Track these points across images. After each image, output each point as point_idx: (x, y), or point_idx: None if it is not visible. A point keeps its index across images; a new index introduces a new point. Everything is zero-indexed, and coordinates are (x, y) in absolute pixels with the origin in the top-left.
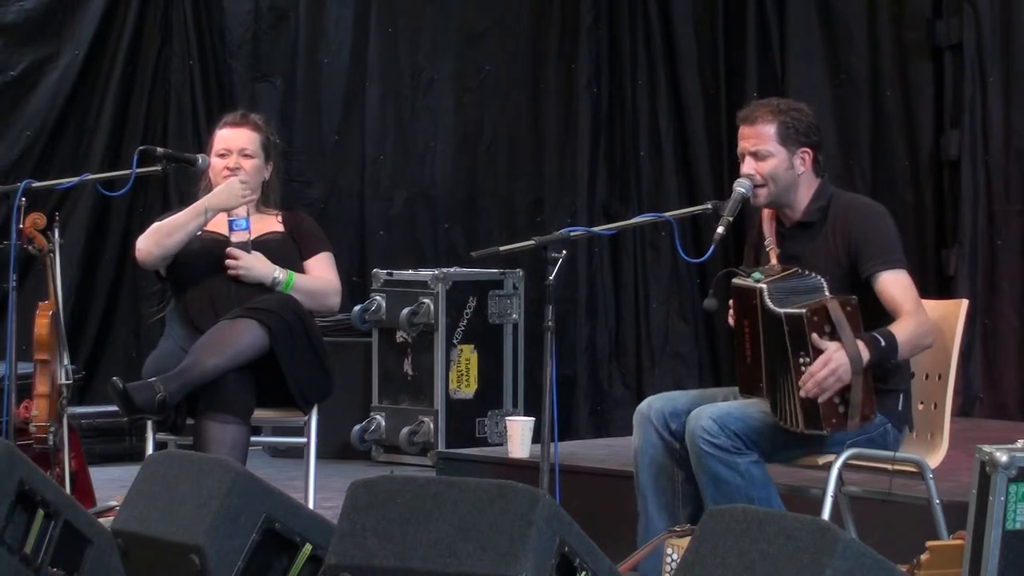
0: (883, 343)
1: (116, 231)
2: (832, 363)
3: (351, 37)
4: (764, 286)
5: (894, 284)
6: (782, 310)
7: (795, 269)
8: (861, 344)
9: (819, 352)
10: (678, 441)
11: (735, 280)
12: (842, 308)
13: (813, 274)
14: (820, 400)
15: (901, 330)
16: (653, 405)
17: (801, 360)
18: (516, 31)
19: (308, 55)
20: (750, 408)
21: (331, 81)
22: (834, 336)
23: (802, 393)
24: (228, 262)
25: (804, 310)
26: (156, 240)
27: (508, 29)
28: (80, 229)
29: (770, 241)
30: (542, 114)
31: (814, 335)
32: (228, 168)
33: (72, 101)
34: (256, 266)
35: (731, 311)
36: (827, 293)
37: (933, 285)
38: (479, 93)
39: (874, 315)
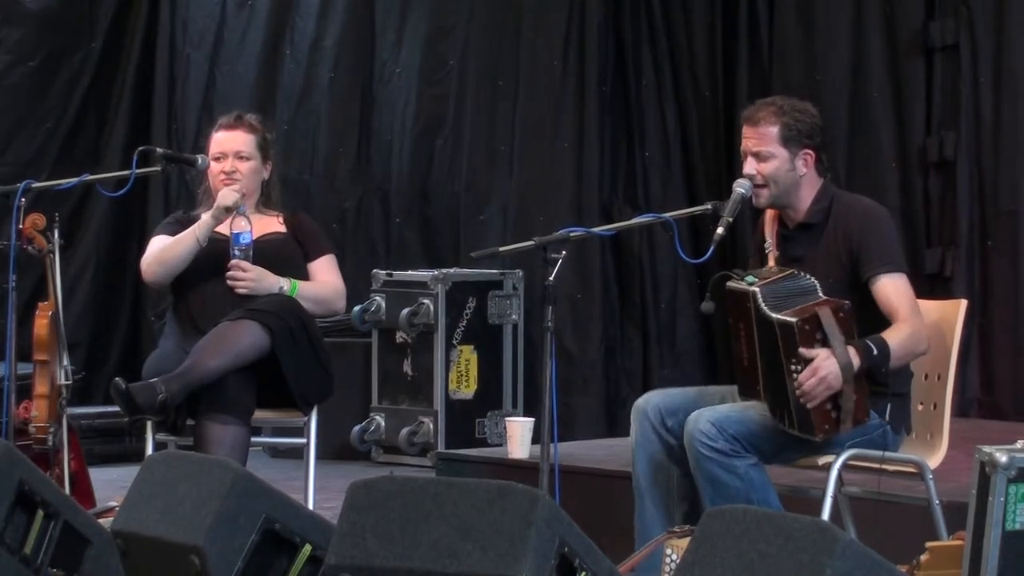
0: (875, 352)
1: (135, 230)
2: (821, 371)
3: (314, 28)
4: (757, 289)
5: (891, 288)
6: (775, 315)
7: (790, 271)
8: (852, 351)
9: (808, 361)
10: (675, 438)
11: (729, 283)
12: (834, 315)
13: (808, 276)
14: (809, 406)
15: (895, 337)
16: (651, 401)
17: (793, 367)
18: (490, 27)
19: (272, 46)
20: (748, 411)
21: (290, 72)
22: (826, 343)
23: (800, 399)
24: (235, 274)
25: (795, 319)
26: (159, 262)
27: (480, 24)
28: (102, 228)
29: (770, 243)
30: (518, 112)
31: (802, 349)
32: (224, 172)
33: (90, 93)
34: (263, 280)
35: (728, 314)
36: (820, 295)
37: (924, 286)
38: (441, 88)
39: (874, 318)
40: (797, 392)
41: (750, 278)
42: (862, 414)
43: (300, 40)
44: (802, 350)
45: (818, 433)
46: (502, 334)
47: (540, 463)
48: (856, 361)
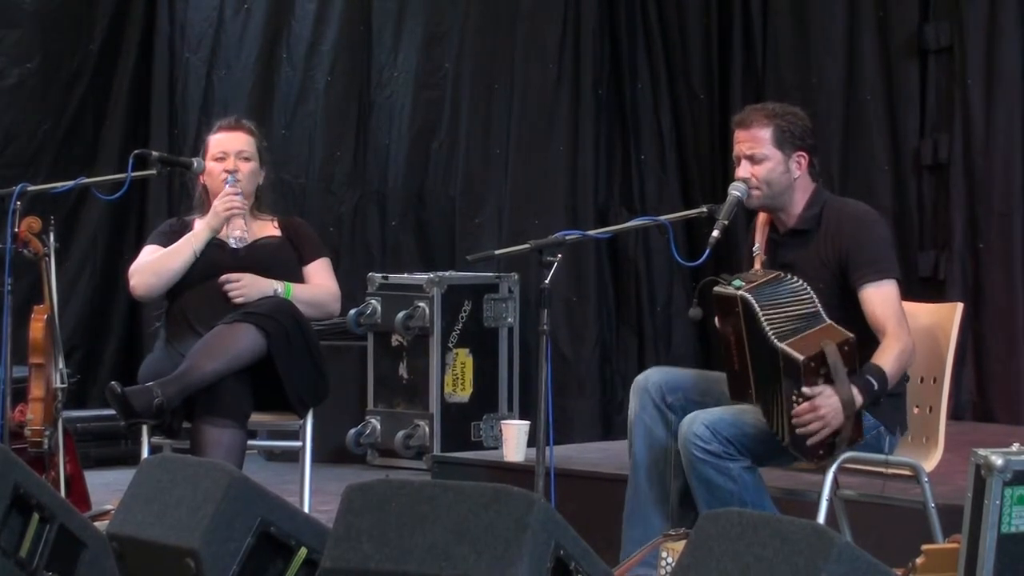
0: (876, 386)
1: (132, 233)
2: (821, 409)
3: (311, 33)
4: (745, 293)
5: (878, 299)
6: (780, 345)
7: (777, 274)
8: (855, 389)
9: (810, 398)
10: (674, 413)
11: (716, 288)
12: (839, 350)
13: (794, 278)
14: (809, 443)
15: (887, 360)
16: (651, 378)
17: (795, 397)
18: (486, 30)
19: (269, 50)
20: (743, 414)
21: (286, 76)
22: (828, 379)
23: (797, 431)
24: (230, 286)
25: (802, 357)
26: (153, 272)
27: (475, 28)
28: (99, 231)
29: (758, 248)
30: (513, 115)
31: (805, 388)
32: (227, 171)
33: (88, 95)
34: (255, 284)
35: (716, 319)
36: (815, 304)
37: (917, 289)
38: (437, 92)
39: (867, 327)
40: (794, 421)
41: (737, 282)
42: (857, 434)
43: (297, 44)
44: (805, 389)
45: (813, 459)
46: (498, 337)
47: (536, 466)
48: (859, 399)
